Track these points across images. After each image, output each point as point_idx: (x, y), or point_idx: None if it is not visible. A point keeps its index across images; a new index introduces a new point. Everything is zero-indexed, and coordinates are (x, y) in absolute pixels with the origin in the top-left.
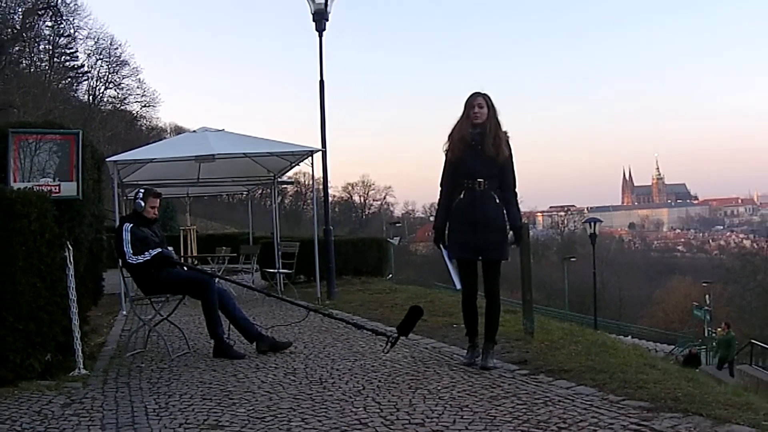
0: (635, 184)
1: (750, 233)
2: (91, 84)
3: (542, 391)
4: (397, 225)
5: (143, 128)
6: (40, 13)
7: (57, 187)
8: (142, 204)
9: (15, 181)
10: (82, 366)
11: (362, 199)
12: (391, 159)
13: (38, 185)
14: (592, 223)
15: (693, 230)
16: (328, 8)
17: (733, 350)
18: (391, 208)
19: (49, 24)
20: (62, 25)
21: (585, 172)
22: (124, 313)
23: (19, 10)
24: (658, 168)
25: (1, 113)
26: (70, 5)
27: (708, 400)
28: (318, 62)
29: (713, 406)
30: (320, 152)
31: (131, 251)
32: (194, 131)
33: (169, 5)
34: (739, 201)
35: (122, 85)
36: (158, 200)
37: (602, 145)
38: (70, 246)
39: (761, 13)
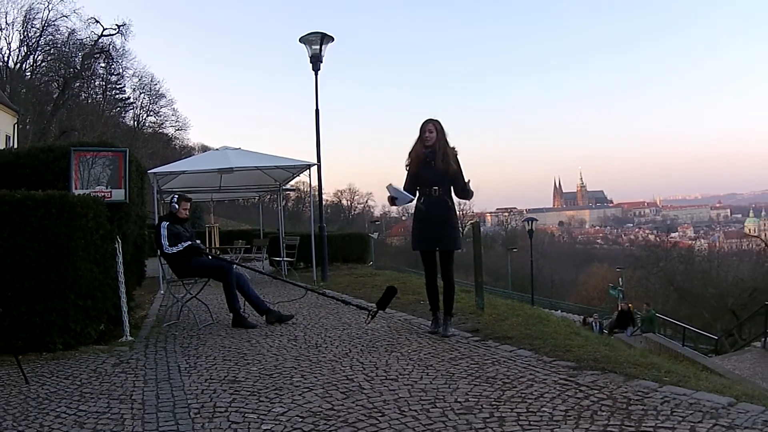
0: (563, 191)
1: (654, 229)
2: (136, 112)
3: (490, 353)
4: (376, 223)
5: (177, 147)
6: (95, 56)
7: (109, 193)
8: (176, 206)
9: (76, 188)
10: (128, 334)
11: (348, 202)
12: (372, 170)
13: (94, 192)
14: (530, 222)
15: (609, 227)
16: (322, 53)
17: (654, 326)
18: (372, 210)
19: (103, 65)
20: (113, 66)
21: (524, 181)
22: (162, 292)
23: (80, 54)
24: (581, 178)
25: (65, 135)
26: (119, 50)
27: (621, 360)
28: (314, 95)
29: (625, 366)
30: (316, 166)
31: (167, 243)
32: (217, 149)
33: (197, 51)
34: (645, 204)
35: (160, 113)
36: (189, 204)
37: (538, 160)
38: (119, 239)
39: (664, 52)
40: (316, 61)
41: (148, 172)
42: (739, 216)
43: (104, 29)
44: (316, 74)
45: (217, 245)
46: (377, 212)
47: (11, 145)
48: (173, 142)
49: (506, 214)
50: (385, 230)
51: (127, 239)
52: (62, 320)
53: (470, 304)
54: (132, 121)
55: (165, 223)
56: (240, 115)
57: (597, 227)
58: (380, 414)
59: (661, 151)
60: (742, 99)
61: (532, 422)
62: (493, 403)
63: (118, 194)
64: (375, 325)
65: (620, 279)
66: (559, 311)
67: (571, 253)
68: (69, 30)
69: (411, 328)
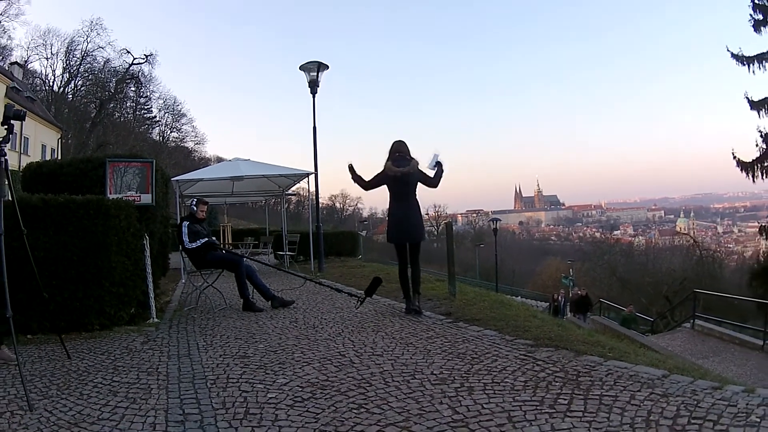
0: (523, 195)
1: (599, 228)
2: (161, 129)
3: (461, 333)
4: (365, 223)
5: (195, 158)
6: (127, 81)
7: (138, 197)
8: (195, 208)
9: (110, 193)
10: (155, 316)
11: (341, 205)
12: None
13: (126, 196)
14: (495, 221)
15: (561, 226)
16: (319, 79)
17: (628, 324)
18: (361, 211)
19: (133, 89)
20: (142, 90)
21: (490, 186)
22: (183, 281)
23: (113, 79)
24: (538, 184)
25: (101, 148)
26: (147, 76)
27: (571, 339)
28: (312, 115)
29: (575, 343)
30: (313, 174)
31: (188, 240)
32: (230, 160)
33: (215, 74)
34: (592, 207)
35: (182, 129)
36: (206, 206)
37: (502, 168)
38: (147, 236)
39: (606, 76)
40: (313, 85)
41: (172, 179)
42: (672, 217)
43: (134, 59)
44: (314, 97)
45: (230, 241)
46: (366, 213)
47: (56, 156)
48: (192, 155)
49: (474, 215)
50: (372, 229)
51: (154, 236)
52: (99, 305)
53: (444, 291)
54: (158, 137)
55: (186, 223)
56: (250, 129)
57: (551, 226)
58: (368, 384)
59: (606, 161)
60: (675, 115)
61: (496, 391)
62: (464, 375)
63: (146, 198)
64: (363, 309)
65: (570, 270)
66: (519, 297)
67: (530, 248)
68: (104, 59)
69: (394, 312)
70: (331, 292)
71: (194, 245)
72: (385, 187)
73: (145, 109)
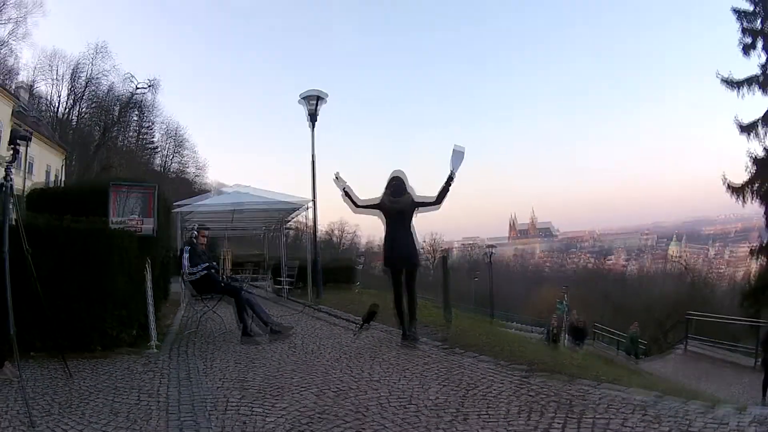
0: (518, 224)
1: (593, 255)
2: (163, 157)
3: (457, 360)
4: (361, 258)
5: (196, 189)
6: (130, 107)
7: (141, 221)
8: (196, 233)
9: (113, 216)
10: (155, 339)
11: (338, 237)
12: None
13: (128, 220)
14: (490, 251)
15: (556, 253)
16: (317, 111)
17: (636, 344)
18: (358, 243)
19: (137, 115)
20: (144, 116)
21: (486, 216)
22: (183, 306)
23: (117, 104)
24: (533, 212)
25: (104, 170)
26: (150, 103)
27: (566, 364)
28: (311, 145)
29: (569, 368)
30: (312, 202)
31: (189, 264)
32: (230, 189)
33: (217, 101)
34: (586, 235)
35: (183, 156)
36: (207, 232)
37: (498, 198)
38: (148, 260)
39: (599, 103)
40: (313, 117)
41: (173, 210)
42: (665, 240)
43: (137, 85)
44: (313, 128)
45: (230, 268)
46: (363, 243)
47: (60, 178)
48: (194, 186)
49: (470, 247)
50: (369, 262)
51: (155, 261)
52: (101, 326)
53: (440, 318)
54: (159, 167)
55: (187, 248)
56: (251, 154)
57: (546, 252)
58: (366, 410)
59: (600, 187)
60: (665, 141)
61: (491, 416)
62: (459, 401)
63: (148, 223)
64: (361, 337)
65: (565, 295)
66: (515, 323)
67: (524, 278)
68: (108, 84)
69: (391, 339)
70: (329, 318)
71: (195, 270)
72: (379, 215)
73: (148, 136)
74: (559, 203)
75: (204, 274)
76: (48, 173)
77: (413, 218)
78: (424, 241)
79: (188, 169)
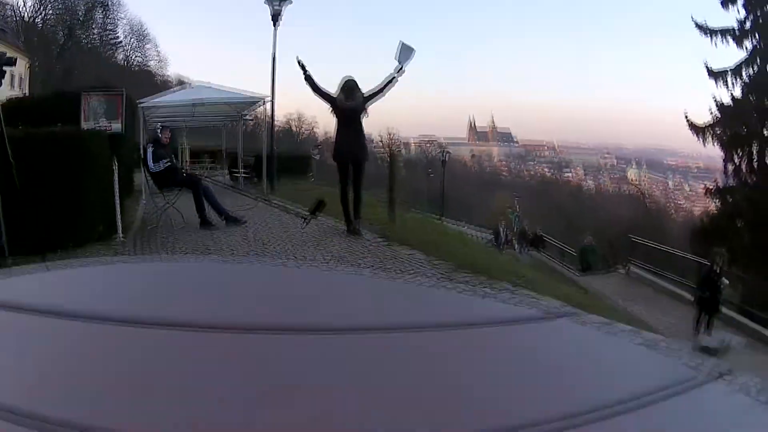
0: (477, 127)
1: (550, 168)
2: (126, 53)
3: (392, 253)
4: (318, 147)
5: (158, 81)
6: (96, 5)
7: (109, 125)
8: (160, 134)
9: (84, 121)
10: (121, 234)
11: (297, 128)
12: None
13: (98, 125)
14: (444, 154)
15: (513, 162)
16: (282, 11)
17: (590, 255)
18: (316, 134)
19: (101, 13)
20: (109, 14)
21: (446, 115)
22: (144, 201)
23: (83, 5)
24: (492, 118)
25: (68, 73)
26: (116, 2)
27: (492, 266)
28: (273, 45)
29: (493, 271)
30: (270, 100)
31: (152, 163)
32: (192, 86)
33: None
34: (545, 146)
35: (146, 52)
36: (169, 132)
37: (457, 95)
38: (116, 162)
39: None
40: (276, 18)
41: (138, 105)
42: (624, 165)
43: None
44: (275, 29)
45: (188, 160)
46: (320, 135)
47: (25, 85)
48: (155, 78)
49: (428, 144)
50: (326, 153)
51: (122, 161)
52: (73, 225)
53: (385, 216)
54: (122, 61)
55: (150, 147)
56: (212, 49)
57: (503, 161)
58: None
59: (563, 100)
60: (635, 66)
61: None
62: None
63: (116, 126)
64: (309, 229)
65: (517, 205)
66: (465, 225)
67: (480, 181)
68: None
69: (335, 230)
70: (280, 212)
71: (158, 168)
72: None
73: (111, 34)
74: (519, 110)
75: (166, 168)
76: (12, 80)
77: (363, 117)
78: (380, 136)
79: (150, 63)
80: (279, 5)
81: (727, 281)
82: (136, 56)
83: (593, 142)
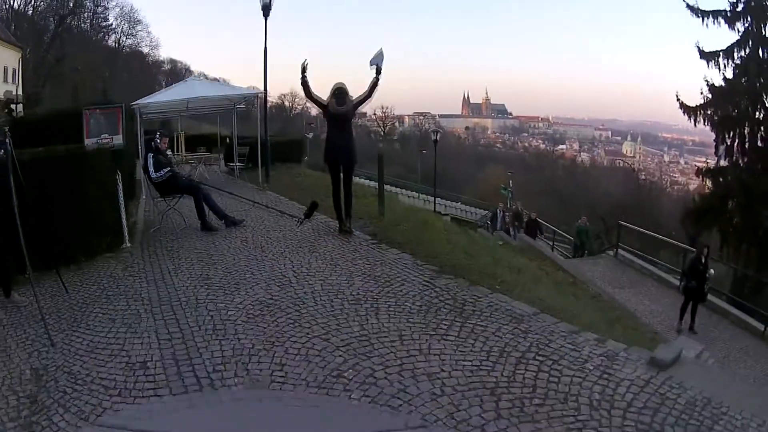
0: (471, 101)
1: (545, 140)
2: (117, 37)
3: (381, 255)
4: (311, 125)
5: (150, 62)
6: None
7: (111, 139)
8: (158, 141)
9: (87, 137)
10: (128, 242)
11: (290, 104)
12: (310, 76)
13: (100, 139)
14: (436, 133)
15: (507, 135)
16: (271, 3)
17: (588, 238)
18: (309, 110)
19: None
20: (100, 1)
21: (440, 90)
22: (144, 197)
23: None
24: (486, 92)
25: (59, 62)
26: None
27: (472, 269)
28: (264, 38)
29: (473, 273)
30: (263, 94)
31: (153, 171)
32: (185, 80)
33: None
34: (540, 119)
35: (137, 35)
36: (167, 139)
37: (451, 72)
38: (119, 172)
39: None
40: (266, 9)
41: (132, 105)
42: (619, 138)
43: None
44: (266, 20)
45: (184, 149)
46: (314, 112)
47: (18, 76)
48: (147, 59)
49: (421, 117)
50: (320, 128)
51: (124, 171)
52: (83, 239)
53: (375, 209)
54: (114, 44)
55: (151, 154)
56: (205, 27)
57: (497, 134)
58: (302, 303)
59: (557, 73)
60: (630, 40)
61: (397, 313)
62: (375, 296)
63: (118, 142)
64: (303, 228)
65: (510, 181)
66: (459, 203)
67: (474, 154)
68: None
69: (328, 230)
70: (276, 212)
71: (159, 175)
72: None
73: (102, 18)
74: (514, 85)
75: (168, 176)
76: (5, 73)
77: (353, 120)
78: (374, 113)
79: (142, 48)
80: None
81: (713, 271)
82: (128, 39)
83: (588, 115)
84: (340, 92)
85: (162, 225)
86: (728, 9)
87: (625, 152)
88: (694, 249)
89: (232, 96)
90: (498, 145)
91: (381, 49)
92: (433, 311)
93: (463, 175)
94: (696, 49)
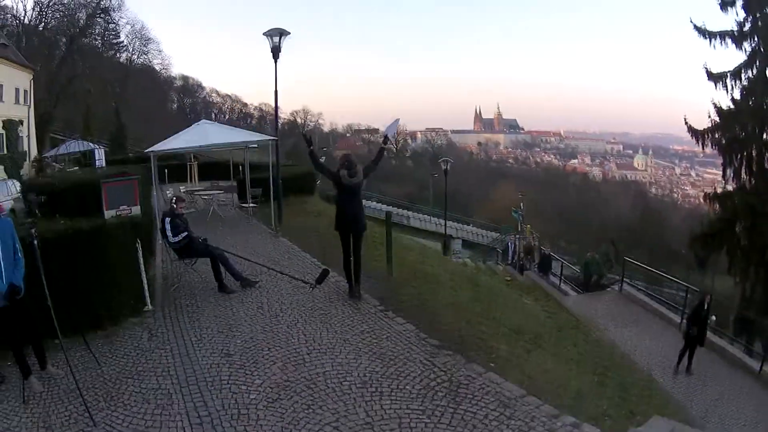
0: (483, 117)
1: (557, 155)
2: (128, 54)
3: (388, 326)
4: (323, 150)
5: (162, 77)
6: (97, 14)
7: (130, 210)
8: (175, 205)
9: (106, 209)
10: (149, 304)
11: (302, 120)
12: (322, 92)
13: (119, 211)
14: (446, 162)
15: (519, 150)
16: (281, 46)
17: (598, 268)
18: (321, 126)
19: (102, 18)
20: (111, 16)
21: (452, 105)
22: (160, 253)
23: (84, 11)
24: (498, 107)
25: (71, 82)
26: (116, 3)
27: (471, 341)
28: (274, 80)
29: (470, 348)
30: (275, 141)
31: (171, 234)
32: (198, 124)
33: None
34: (551, 134)
35: (149, 53)
36: (184, 203)
37: (463, 88)
38: (139, 241)
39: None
40: (276, 52)
41: (146, 151)
42: (630, 152)
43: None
44: (276, 61)
45: (197, 179)
46: (326, 128)
47: (30, 97)
48: (159, 74)
49: (433, 133)
50: (333, 144)
51: (141, 238)
52: (107, 304)
53: (384, 264)
54: (125, 61)
55: (168, 219)
56: (216, 45)
57: (509, 149)
58: (314, 385)
59: (568, 88)
60: (643, 51)
61: (399, 397)
62: (380, 378)
63: (136, 210)
64: (317, 292)
65: (521, 204)
66: (470, 225)
67: (486, 170)
68: None
69: (338, 294)
70: (290, 279)
71: (177, 240)
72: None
73: (114, 35)
74: (526, 99)
75: (186, 241)
76: (17, 95)
77: (362, 189)
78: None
79: (154, 63)
80: (278, 41)
81: (714, 318)
82: (140, 58)
83: (600, 129)
84: (350, 163)
85: (180, 282)
86: (735, 29)
87: (636, 166)
88: (697, 289)
89: (245, 138)
90: (510, 160)
91: (397, 120)
92: (430, 396)
93: (475, 194)
94: (704, 71)
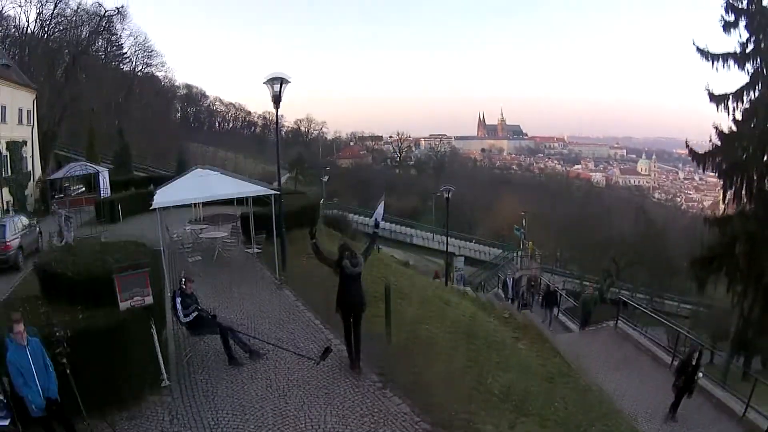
0: (486, 123)
1: (560, 161)
2: (132, 64)
3: (385, 407)
4: (327, 169)
5: (165, 86)
6: (100, 30)
7: (143, 300)
8: (184, 286)
9: (121, 301)
10: (166, 378)
11: (306, 128)
12: (326, 101)
13: (133, 302)
14: (447, 191)
15: (523, 156)
16: (281, 93)
17: (594, 308)
18: (325, 134)
19: (105, 32)
20: (113, 30)
21: (455, 112)
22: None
23: (86, 26)
24: (501, 113)
25: (74, 101)
26: (118, 15)
27: (461, 423)
28: (275, 127)
29: (462, 427)
30: (277, 193)
31: (183, 315)
32: (201, 174)
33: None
34: (555, 139)
35: (152, 64)
36: (192, 282)
37: (466, 94)
38: (153, 325)
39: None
40: (276, 100)
41: (153, 207)
42: (633, 156)
43: (106, 12)
44: (277, 109)
45: (201, 215)
46: (330, 136)
47: (32, 118)
48: (163, 83)
49: (437, 140)
50: (337, 152)
51: (154, 312)
52: (127, 384)
53: (383, 326)
54: (129, 73)
55: (178, 298)
56: (227, 60)
57: (513, 155)
58: None
59: (571, 94)
60: (644, 55)
61: None
62: None
63: (149, 300)
64: (321, 366)
65: (523, 221)
66: (474, 242)
67: (490, 177)
68: (77, 4)
69: (342, 366)
70: (293, 353)
71: (187, 318)
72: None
73: (117, 46)
74: (529, 105)
75: (195, 317)
76: (20, 115)
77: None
78: (390, 137)
79: (158, 74)
80: (279, 89)
81: (701, 374)
82: (144, 69)
83: (604, 133)
84: (352, 253)
85: (192, 352)
86: (737, 51)
87: (640, 170)
88: (691, 338)
89: (249, 189)
90: (514, 167)
91: (383, 200)
92: None
93: (479, 203)
94: (706, 93)
